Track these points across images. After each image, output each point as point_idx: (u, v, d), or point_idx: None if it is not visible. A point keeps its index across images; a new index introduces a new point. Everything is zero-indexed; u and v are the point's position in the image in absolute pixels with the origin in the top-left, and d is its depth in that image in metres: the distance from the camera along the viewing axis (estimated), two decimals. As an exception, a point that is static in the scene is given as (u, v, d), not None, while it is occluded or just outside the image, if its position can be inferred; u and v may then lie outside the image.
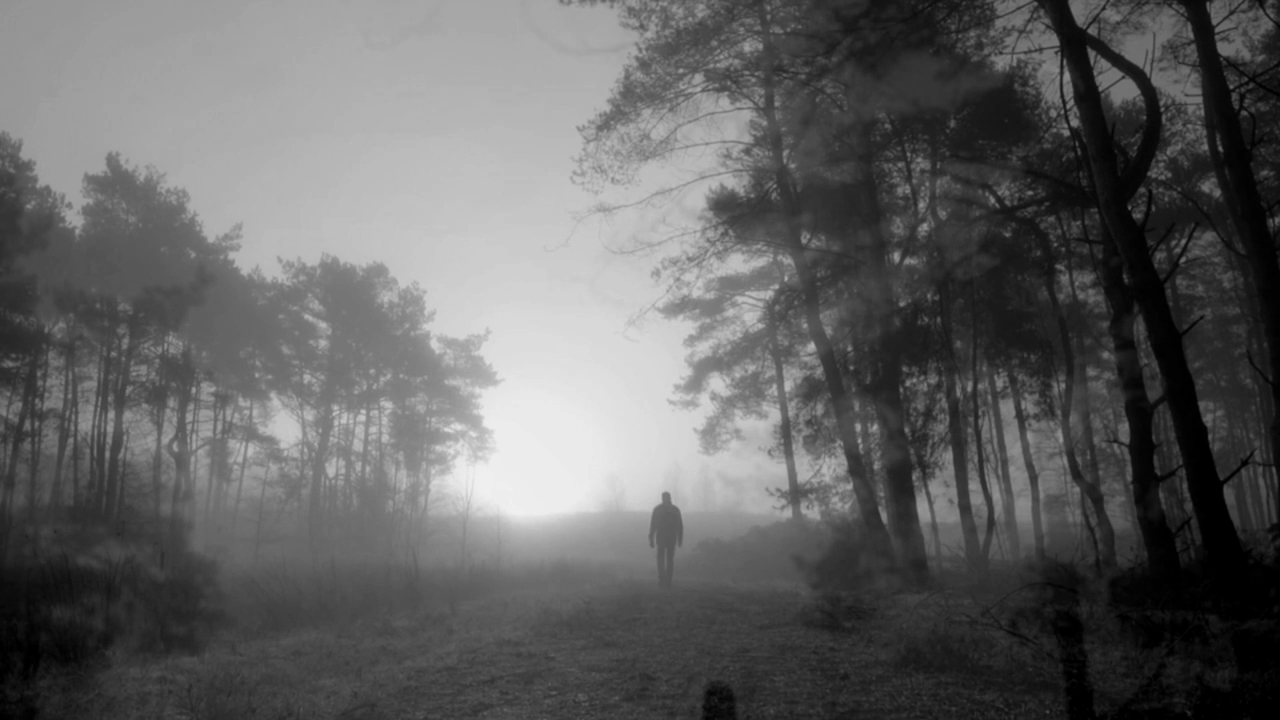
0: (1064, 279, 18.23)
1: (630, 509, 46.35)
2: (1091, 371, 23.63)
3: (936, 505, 16.00)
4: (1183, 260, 23.54)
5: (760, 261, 24.72)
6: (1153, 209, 10.12)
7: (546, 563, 18.05)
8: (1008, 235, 16.33)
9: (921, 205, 16.63)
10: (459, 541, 20.91)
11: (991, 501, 15.41)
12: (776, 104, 15.78)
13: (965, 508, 14.98)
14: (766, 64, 15.09)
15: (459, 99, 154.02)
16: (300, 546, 26.29)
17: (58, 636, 5.77)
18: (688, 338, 26.45)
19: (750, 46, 15.61)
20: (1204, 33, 9.98)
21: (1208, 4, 10.14)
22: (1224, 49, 13.74)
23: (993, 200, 15.80)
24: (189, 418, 28.69)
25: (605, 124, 15.60)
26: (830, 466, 17.46)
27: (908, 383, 15.54)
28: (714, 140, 18.18)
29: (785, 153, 15.64)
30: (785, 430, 21.34)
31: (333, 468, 36.32)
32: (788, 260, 21.00)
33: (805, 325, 17.83)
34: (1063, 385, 16.72)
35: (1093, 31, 10.52)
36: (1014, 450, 20.95)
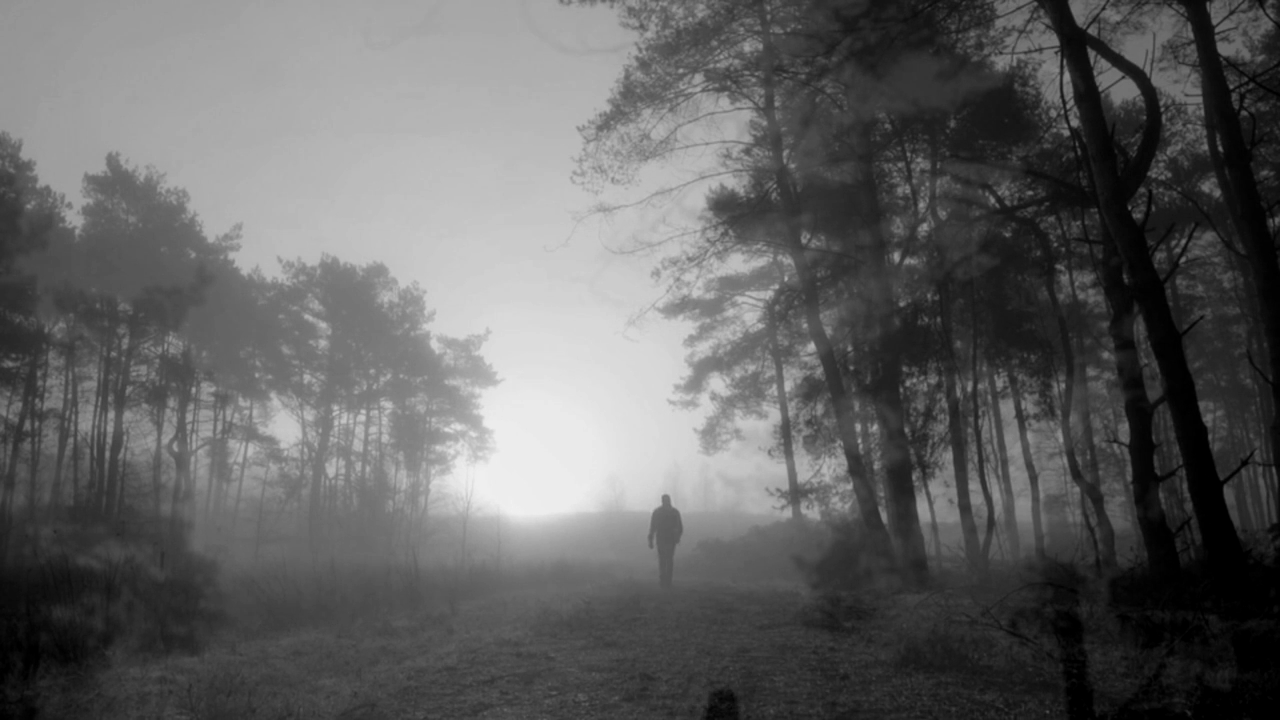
0: (1064, 279, 18.23)
1: (630, 509, 46.35)
2: (1091, 371, 23.63)
3: (936, 505, 16.01)
4: (1183, 260, 23.54)
5: (760, 261, 24.75)
6: (1153, 209, 10.12)
7: (546, 563, 18.05)
8: (1008, 235, 16.33)
9: (921, 205, 16.64)
10: (459, 541, 20.91)
11: (991, 501, 15.41)
12: (776, 104, 15.78)
13: (965, 508, 14.98)
14: (766, 64, 15.09)
15: (459, 99, 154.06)
16: (300, 546, 26.30)
17: (58, 636, 5.77)
18: (688, 338, 26.47)
19: (750, 46, 15.63)
20: (1204, 33, 9.99)
21: (1208, 4, 10.15)
22: (1224, 49, 13.75)
23: (993, 200, 15.80)
24: (189, 418, 28.69)
25: (605, 124, 15.60)
26: (830, 466, 17.47)
27: (908, 383, 15.54)
28: (714, 140, 18.19)
29: (785, 153, 15.64)
30: (785, 430, 21.33)
31: (333, 468, 36.35)
32: (788, 260, 21.00)
33: (805, 325, 17.83)
34: (1063, 385, 16.73)
35: (1093, 31, 10.53)
36: (1014, 450, 20.97)
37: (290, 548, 23.38)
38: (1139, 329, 11.41)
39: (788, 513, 20.78)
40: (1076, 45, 8.92)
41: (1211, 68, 9.87)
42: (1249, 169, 9.62)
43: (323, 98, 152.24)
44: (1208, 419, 19.49)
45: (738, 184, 17.92)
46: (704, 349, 26.19)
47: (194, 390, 28.67)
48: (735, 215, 16.59)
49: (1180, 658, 5.05)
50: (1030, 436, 18.48)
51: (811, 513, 19.46)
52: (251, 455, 33.81)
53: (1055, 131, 15.51)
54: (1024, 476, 18.06)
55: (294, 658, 6.19)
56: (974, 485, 15.41)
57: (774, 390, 24.90)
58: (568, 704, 4.58)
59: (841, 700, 4.54)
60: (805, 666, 5.66)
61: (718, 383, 25.80)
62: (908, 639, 6.00)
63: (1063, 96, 9.41)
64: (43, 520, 20.36)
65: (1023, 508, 20.68)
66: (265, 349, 34.55)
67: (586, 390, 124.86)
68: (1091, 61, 9.21)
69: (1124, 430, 11.66)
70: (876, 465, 16.51)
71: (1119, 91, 60.15)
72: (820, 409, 17.00)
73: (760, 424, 33.91)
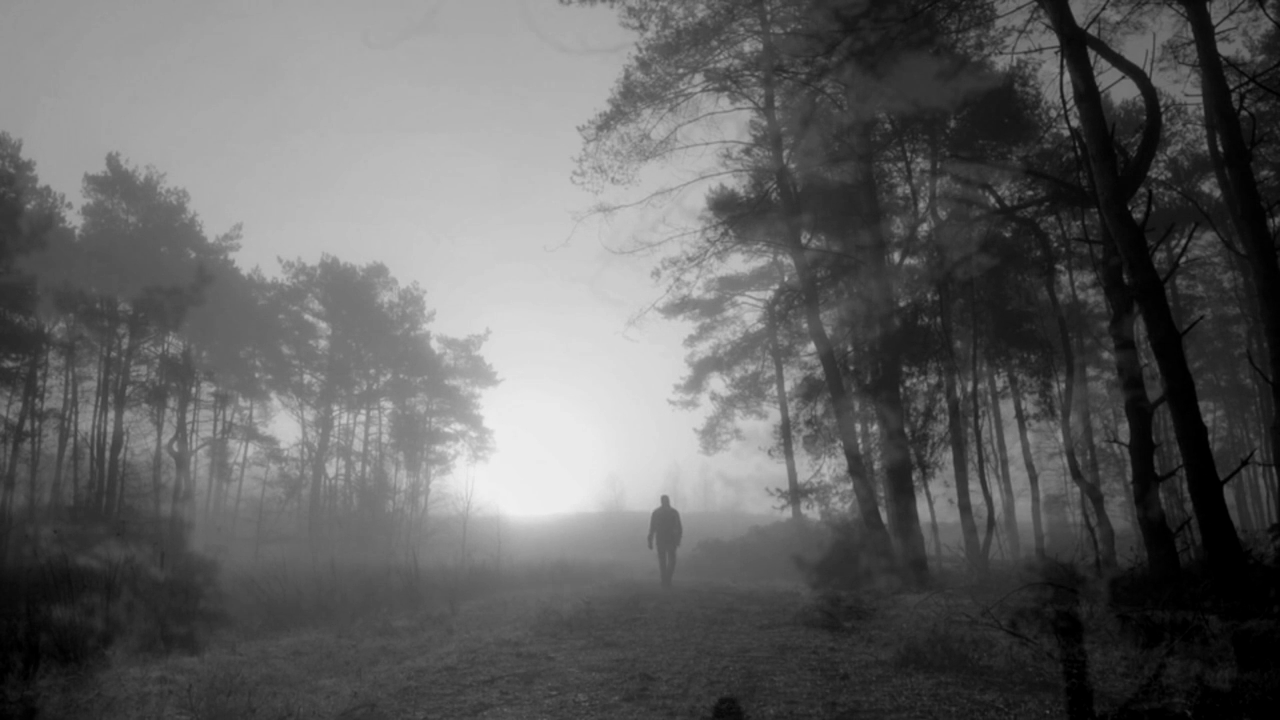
0: (1064, 279, 18.23)
1: (630, 509, 46.34)
2: (1091, 371, 23.63)
3: (936, 505, 16.02)
4: (1183, 260, 23.54)
5: (760, 261, 24.75)
6: (1153, 209, 10.12)
7: (546, 563, 18.05)
8: (1008, 235, 16.33)
9: (921, 205, 16.64)
10: (459, 541, 20.90)
11: (991, 501, 15.41)
12: (776, 104, 15.78)
13: (965, 508, 14.98)
14: (766, 64, 15.09)
15: (459, 99, 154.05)
16: (300, 546, 26.29)
17: (58, 636, 5.77)
18: (688, 338, 26.47)
19: (750, 46, 15.63)
20: (1204, 33, 9.99)
21: (1208, 4, 10.14)
22: (1224, 49, 13.76)
23: (993, 200, 15.80)
24: (189, 418, 28.70)
25: (605, 124, 15.60)
26: (830, 466, 17.48)
27: (908, 383, 15.54)
28: (714, 140, 18.19)
29: (785, 153, 15.64)
30: (785, 430, 21.33)
31: (333, 468, 36.37)
32: (788, 260, 21.00)
33: (805, 325, 17.83)
34: (1063, 385, 16.73)
35: (1093, 31, 10.53)
36: (1014, 450, 20.97)
37: (290, 548, 23.38)
38: (1139, 329, 11.42)
39: (788, 513, 20.78)
40: (1076, 45, 8.92)
41: (1211, 68, 9.87)
42: (1249, 169, 9.62)
43: (323, 98, 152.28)
44: (1208, 419, 19.50)
45: (738, 184, 17.95)
46: (704, 349, 26.22)
47: (194, 390, 28.67)
48: (735, 215, 16.59)
49: (1180, 658, 5.05)
50: (1030, 436, 18.51)
51: (811, 513, 19.47)
52: (251, 455, 33.85)
53: (1055, 131, 15.53)
54: (1024, 476, 18.09)
55: (294, 658, 6.20)
56: (974, 485, 15.43)
57: (774, 390, 24.91)
58: (568, 704, 4.58)
59: (841, 700, 4.54)
60: (805, 666, 5.66)
61: (718, 383, 25.83)
62: (908, 639, 6.01)
63: (1063, 96, 9.42)
64: (43, 520, 20.36)
65: (1023, 508, 20.71)
66: (265, 349, 34.56)
67: (586, 390, 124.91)
68: (1091, 61, 9.21)
69: (1124, 430, 11.66)
70: (876, 465, 16.51)
71: (1119, 91, 60.21)
72: (820, 409, 17.00)
73: (760, 424, 33.92)
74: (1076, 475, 13.83)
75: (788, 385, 23.37)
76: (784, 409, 22.79)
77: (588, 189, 15.91)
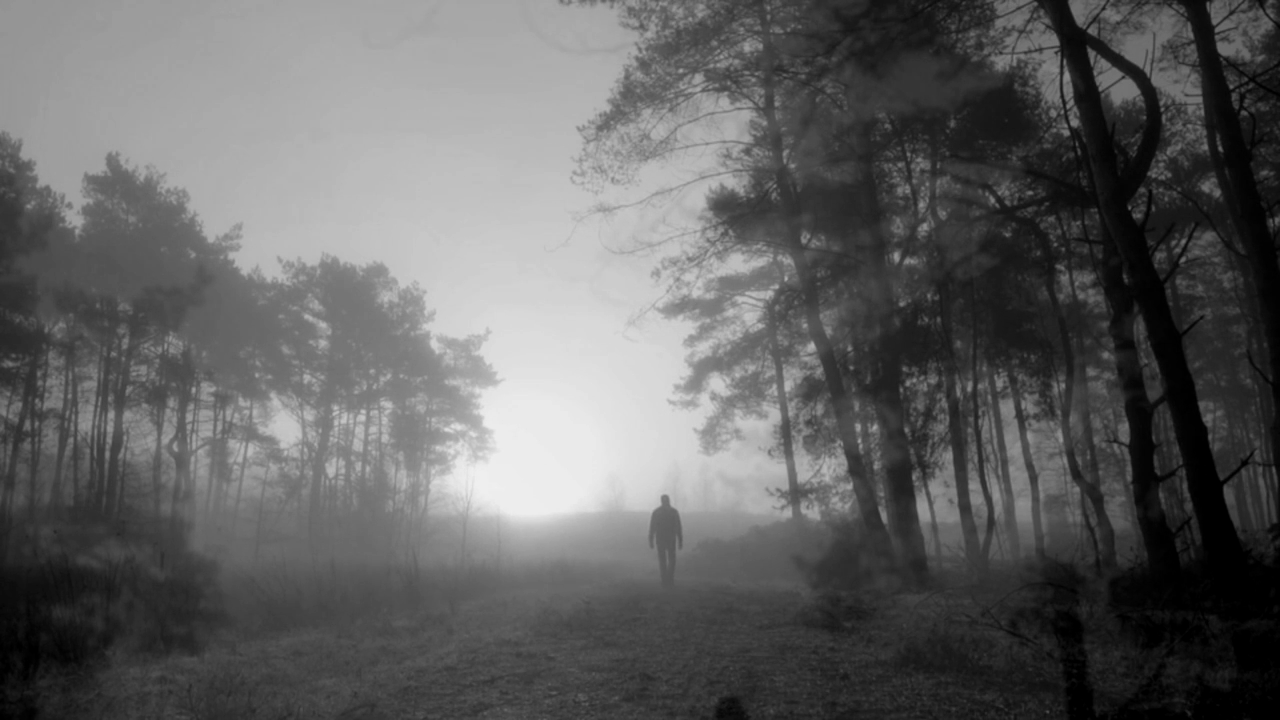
0: (1064, 279, 18.22)
1: (630, 509, 46.32)
2: (1091, 371, 23.63)
3: (936, 505, 16.02)
4: (1183, 260, 23.54)
5: (760, 261, 24.75)
6: (1153, 209, 10.12)
7: (546, 563, 18.05)
8: (1008, 235, 16.33)
9: (921, 205, 16.64)
10: (459, 541, 20.90)
11: (991, 501, 15.41)
12: (776, 104, 15.79)
13: (965, 508, 14.98)
14: (766, 64, 15.09)
15: (459, 99, 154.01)
16: (300, 546, 26.29)
17: (58, 636, 5.77)
18: (688, 338, 26.47)
19: (750, 46, 15.63)
20: (1204, 33, 9.99)
21: (1208, 4, 10.15)
22: (1224, 49, 13.75)
23: (993, 200, 15.80)
24: (189, 418, 28.68)
25: (605, 124, 15.60)
26: (830, 466, 17.48)
27: (908, 383, 15.54)
28: (714, 140, 18.19)
29: (785, 153, 15.64)
30: (785, 430, 21.33)
31: (333, 468, 36.37)
32: (788, 260, 21.00)
33: (805, 325, 17.83)
34: (1063, 385, 16.72)
35: (1093, 31, 10.52)
36: (1014, 450, 20.97)
37: (290, 548, 23.36)
38: (1139, 329, 11.41)
39: (788, 513, 20.78)
40: (1076, 45, 8.92)
41: (1211, 68, 9.87)
42: (1249, 169, 9.62)
43: (323, 98, 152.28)
44: (1208, 419, 19.50)
45: (738, 184, 17.95)
46: (704, 349, 26.22)
47: (194, 390, 28.66)
48: (735, 215, 16.59)
49: (1180, 658, 5.05)
50: (1030, 436, 18.50)
51: (811, 513, 19.47)
52: (251, 455, 33.84)
53: (1055, 131, 15.53)
54: (1024, 476, 18.08)
55: (294, 658, 6.20)
56: (974, 485, 15.43)
57: (774, 390, 24.91)
58: (568, 704, 4.58)
59: (841, 700, 4.54)
60: (805, 666, 5.66)
61: (718, 383, 25.83)
62: (908, 639, 6.01)
63: (1063, 96, 9.41)
64: (43, 520, 20.35)
65: (1023, 508, 20.71)
66: (265, 349, 34.56)
67: (586, 390, 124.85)
68: (1091, 61, 9.21)
69: (1124, 430, 11.66)
70: (876, 465, 16.51)
71: (1119, 91, 60.22)
72: (820, 409, 17.00)
73: (760, 424, 33.94)
74: (1076, 475, 13.83)
75: (788, 385, 23.39)
76: (784, 409, 22.79)
77: (588, 189, 15.93)
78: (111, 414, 24.58)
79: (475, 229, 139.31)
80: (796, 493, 19.10)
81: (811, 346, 17.55)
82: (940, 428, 15.58)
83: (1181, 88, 33.44)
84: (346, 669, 5.74)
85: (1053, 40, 10.30)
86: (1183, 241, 19.52)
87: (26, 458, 24.14)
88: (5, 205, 22.34)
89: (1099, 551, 11.82)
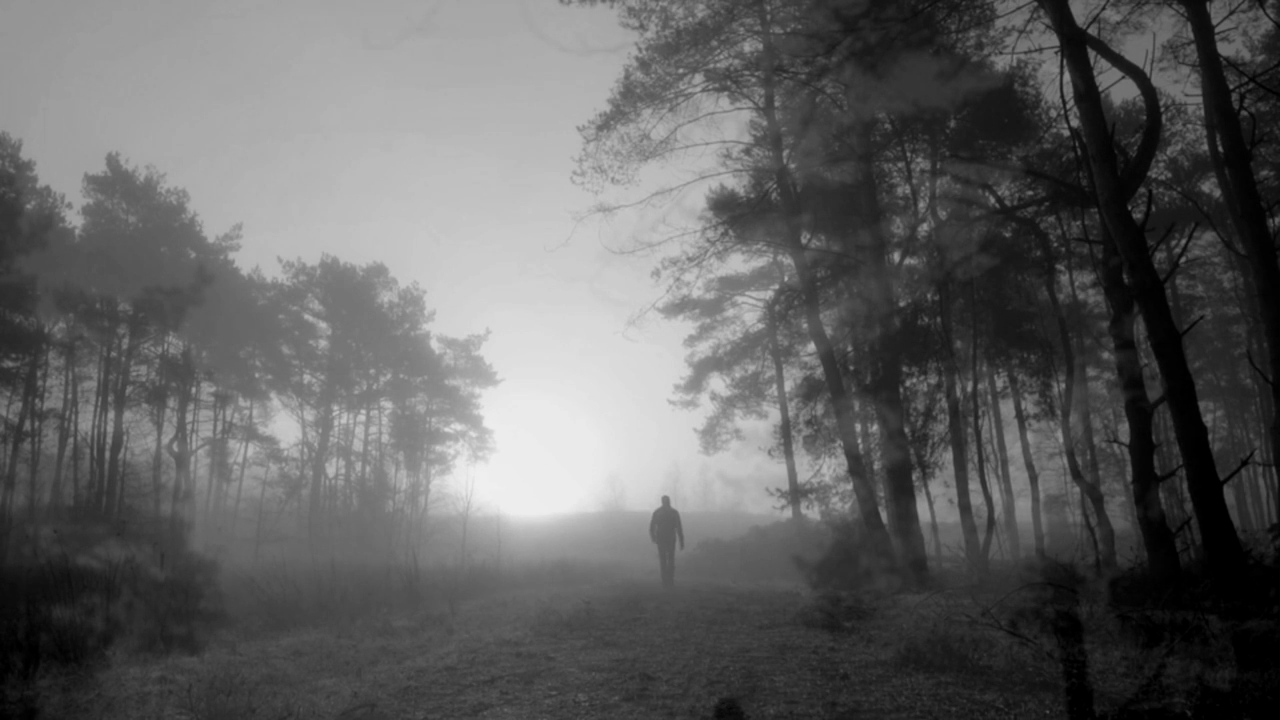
0: (1064, 279, 18.22)
1: (630, 509, 46.29)
2: (1091, 371, 23.62)
3: (936, 505, 16.03)
4: (1183, 260, 23.54)
5: (760, 261, 24.75)
6: (1153, 209, 10.12)
7: (546, 563, 18.05)
8: (1008, 235, 16.33)
9: (921, 205, 16.64)
10: (459, 541, 20.90)
11: (991, 501, 15.41)
12: (776, 104, 15.79)
13: (965, 508, 14.98)
14: (766, 64, 15.09)
15: (459, 99, 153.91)
16: (300, 546, 26.28)
17: (58, 636, 5.77)
18: (688, 338, 26.46)
19: (750, 46, 15.63)
20: (1204, 33, 9.99)
21: (1208, 4, 10.15)
22: (1224, 49, 13.74)
23: (993, 200, 15.80)
24: (189, 418, 28.67)
25: (605, 124, 15.60)
26: (830, 466, 17.48)
27: (908, 383, 15.54)
28: (714, 140, 18.20)
29: (785, 153, 15.64)
30: (785, 430, 21.33)
31: (333, 468, 36.34)
32: (788, 260, 21.00)
33: (805, 325, 17.84)
34: (1063, 385, 16.72)
35: (1093, 31, 10.53)
36: (1014, 450, 20.96)
37: (290, 548, 23.36)
38: (1139, 329, 11.41)
39: (788, 513, 20.78)
40: (1076, 45, 8.92)
41: (1211, 68, 9.87)
42: (1249, 169, 9.62)
43: (322, 98, 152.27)
44: (1208, 419, 19.49)
45: (738, 184, 17.95)
46: (704, 349, 26.21)
47: (194, 390, 28.66)
48: (735, 215, 16.59)
49: (1180, 658, 5.05)
50: (1030, 436, 18.50)
51: (811, 513, 19.48)
52: (251, 455, 33.82)
53: (1055, 131, 15.52)
54: (1024, 476, 18.08)
55: (294, 658, 6.20)
56: (974, 485, 15.44)
57: (774, 390, 24.90)
58: (568, 704, 4.58)
59: (841, 700, 4.54)
60: (805, 666, 5.66)
61: (718, 383, 25.82)
62: (908, 639, 6.01)
63: (1063, 96, 9.41)
64: (43, 520, 20.35)
65: (1023, 508, 20.71)
66: (265, 349, 34.55)
67: (586, 390, 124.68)
68: (1091, 61, 9.21)
69: (1124, 430, 11.66)
70: (876, 465, 16.51)
71: (1119, 91, 60.17)
72: (820, 409, 17.00)
73: (760, 424, 33.93)
74: (1076, 475, 13.83)
75: (788, 385, 23.39)
76: (784, 409, 22.79)
77: (588, 189, 15.94)
78: (111, 414, 24.58)
79: (475, 229, 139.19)
80: (796, 493, 19.11)
81: (811, 346, 17.56)
82: (940, 428, 15.58)
83: (1181, 88, 33.45)
84: (346, 669, 5.74)
85: (1053, 40, 10.31)
86: (1183, 241, 19.52)
87: (26, 458, 24.14)
88: (5, 205, 22.34)
89: (1099, 551, 11.82)
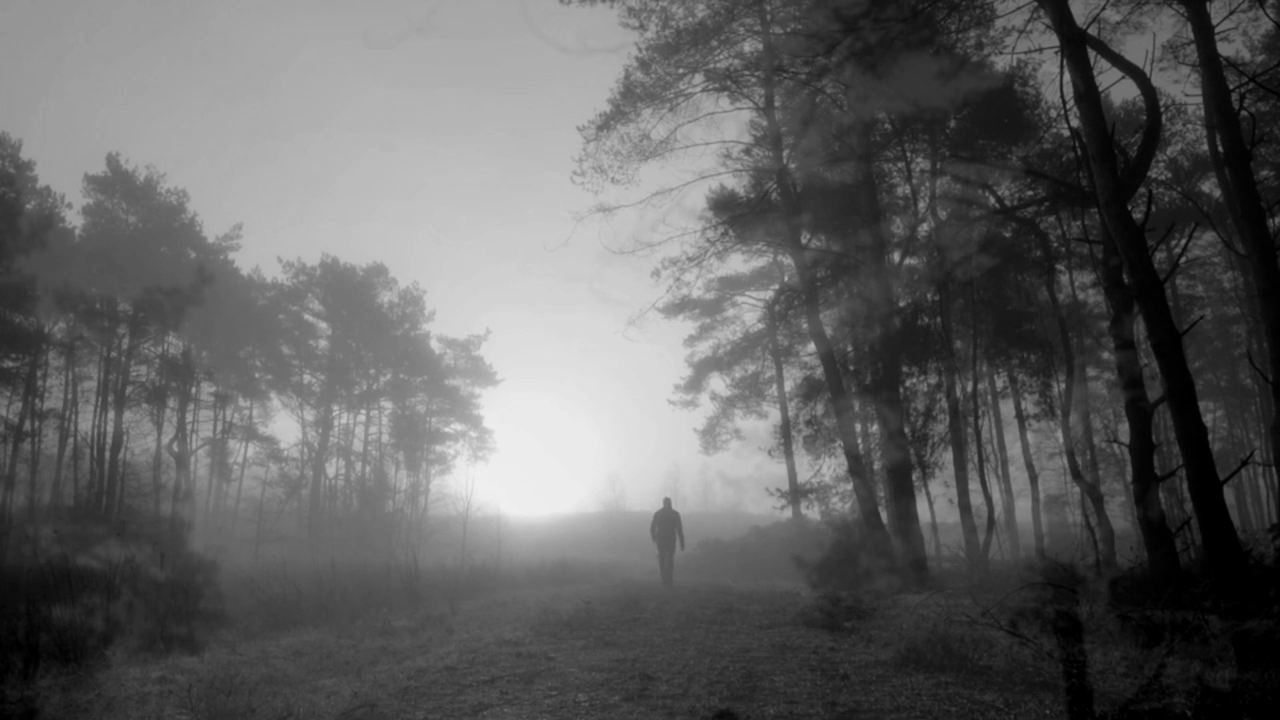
0: (1064, 279, 18.23)
1: (630, 509, 46.26)
2: (1091, 371, 23.63)
3: (936, 505, 16.03)
4: (1183, 260, 23.53)
5: (760, 261, 24.75)
6: (1153, 209, 10.12)
7: (546, 563, 18.05)
8: (1008, 235, 16.33)
9: (921, 205, 16.64)
10: (459, 541, 20.89)
11: (991, 501, 15.41)
12: (776, 104, 15.79)
13: (965, 508, 14.98)
14: (766, 64, 15.09)
15: (458, 99, 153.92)
16: (300, 546, 26.28)
17: (58, 636, 5.77)
18: (688, 338, 26.47)
19: (750, 46, 15.64)
20: (1204, 33, 9.99)
21: (1208, 4, 10.15)
22: (1224, 49, 13.73)
23: (993, 200, 15.80)
24: (189, 418, 28.68)
25: (605, 124, 15.60)
26: (830, 466, 17.48)
27: (908, 383, 15.54)
28: (714, 140, 18.19)
29: (785, 153, 15.64)
30: (785, 430, 21.34)
31: (333, 468, 36.34)
32: (788, 260, 21.00)
33: (805, 325, 17.84)
34: (1063, 385, 16.72)
35: (1093, 31, 10.53)
36: (1014, 450, 20.96)
37: (290, 548, 23.36)
38: (1139, 329, 11.41)
39: (788, 513, 20.79)
40: (1076, 45, 8.92)
41: (1211, 68, 9.87)
42: (1249, 169, 9.62)
43: (322, 98, 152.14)
44: (1208, 419, 19.50)
45: (738, 184, 17.95)
46: (704, 349, 26.22)
47: (194, 390, 28.66)
48: (735, 215, 16.59)
49: (1180, 658, 5.05)
50: (1030, 436, 18.51)
51: (811, 513, 19.48)
52: (251, 455, 33.82)
53: (1055, 131, 15.53)
54: (1024, 476, 18.08)
55: (294, 658, 6.20)
56: (974, 485, 15.44)
57: (774, 390, 24.91)
58: (568, 704, 4.58)
59: (841, 700, 4.54)
60: (805, 666, 5.67)
61: (718, 383, 25.83)
62: (908, 639, 6.01)
63: (1063, 96, 9.41)
64: (43, 520, 20.34)
65: (1023, 508, 20.70)
66: (265, 349, 34.55)
67: (586, 390, 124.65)
68: (1091, 61, 9.21)
69: (1124, 430, 11.66)
70: (876, 465, 16.51)
71: (1119, 91, 60.08)
72: (820, 409, 17.00)
73: (760, 424, 33.89)
74: (1076, 475, 13.83)
75: (788, 385, 23.39)
76: (784, 409, 22.79)
77: (588, 189, 15.94)
78: (111, 414, 24.58)
79: (475, 229, 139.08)
80: (796, 493, 19.11)
81: (811, 346, 17.56)
82: (940, 428, 15.58)
83: (1181, 88, 33.41)
84: (346, 669, 5.74)
85: (1053, 40, 10.31)
86: (1183, 241, 19.52)
87: (26, 458, 24.14)
88: (5, 205, 22.34)
89: (1099, 551, 11.82)
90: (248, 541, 27.58)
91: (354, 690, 4.95)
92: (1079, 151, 10.38)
